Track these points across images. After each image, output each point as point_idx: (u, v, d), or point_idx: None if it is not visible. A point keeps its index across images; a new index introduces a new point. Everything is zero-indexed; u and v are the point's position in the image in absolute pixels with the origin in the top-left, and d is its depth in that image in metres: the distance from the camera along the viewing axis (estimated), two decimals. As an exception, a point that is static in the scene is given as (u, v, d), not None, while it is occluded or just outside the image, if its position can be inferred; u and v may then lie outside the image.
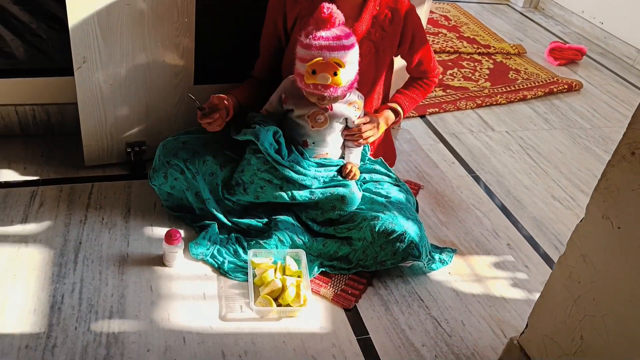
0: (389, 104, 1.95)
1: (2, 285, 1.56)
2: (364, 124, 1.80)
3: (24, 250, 1.67)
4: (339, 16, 1.60)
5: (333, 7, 1.59)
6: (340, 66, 1.58)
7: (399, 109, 1.94)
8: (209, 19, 1.89)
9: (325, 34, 1.59)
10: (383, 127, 1.89)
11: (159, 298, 1.59)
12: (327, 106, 1.73)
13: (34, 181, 1.95)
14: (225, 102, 1.74)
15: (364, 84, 1.85)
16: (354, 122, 1.79)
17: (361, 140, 1.81)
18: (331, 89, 1.61)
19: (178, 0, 1.81)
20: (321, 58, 1.58)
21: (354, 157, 1.85)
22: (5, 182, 1.92)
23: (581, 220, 1.23)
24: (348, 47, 1.61)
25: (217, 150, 1.81)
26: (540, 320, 1.36)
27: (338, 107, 1.75)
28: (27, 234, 1.73)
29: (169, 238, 1.64)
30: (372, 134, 1.83)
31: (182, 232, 1.69)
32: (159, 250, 1.72)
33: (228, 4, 1.88)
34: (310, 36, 1.60)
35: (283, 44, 1.87)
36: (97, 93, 1.87)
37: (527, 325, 1.41)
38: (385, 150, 2.07)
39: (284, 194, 1.74)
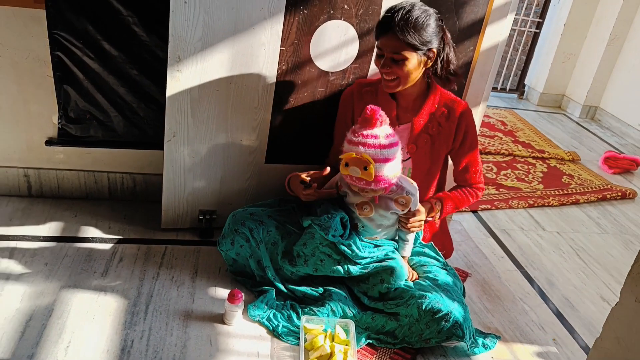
0: (431, 199, 2.05)
1: (82, 326, 1.74)
2: (414, 216, 1.91)
3: (102, 298, 1.87)
4: (382, 117, 1.76)
5: (378, 108, 1.76)
6: (370, 163, 1.72)
7: (437, 207, 2.03)
8: (284, 107, 2.15)
9: (365, 132, 1.75)
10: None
11: (217, 352, 1.72)
12: (373, 197, 1.87)
13: (116, 239, 2.18)
14: (324, 173, 1.93)
15: (419, 174, 2.02)
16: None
17: (411, 228, 1.93)
18: (363, 182, 1.77)
19: (259, 89, 2.08)
20: (354, 153, 1.75)
21: (407, 250, 1.97)
22: (92, 238, 2.17)
23: (616, 304, 1.31)
24: (384, 146, 1.74)
25: (280, 223, 2.00)
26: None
27: (383, 201, 1.88)
28: (106, 284, 1.94)
29: (232, 297, 1.80)
30: (418, 225, 1.93)
31: (242, 294, 1.85)
32: (221, 309, 1.88)
33: (301, 95, 2.14)
34: (352, 133, 1.78)
35: None
36: (181, 164, 2.13)
37: (566, 409, 1.45)
38: (443, 241, 2.19)
39: (340, 268, 1.89)
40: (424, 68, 1.90)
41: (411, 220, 1.90)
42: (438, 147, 2.02)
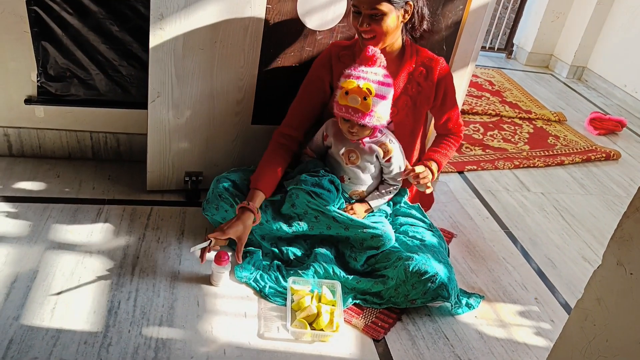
0: (425, 162, 2.05)
1: (68, 288, 1.73)
2: (417, 173, 1.92)
3: (88, 259, 1.86)
4: (381, 58, 1.80)
5: (377, 49, 1.79)
6: (371, 92, 1.75)
7: (435, 166, 2.04)
8: (271, 67, 2.10)
9: (364, 68, 1.79)
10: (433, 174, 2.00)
11: (204, 312, 1.73)
12: (358, 140, 1.88)
13: (101, 200, 2.16)
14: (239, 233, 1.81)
15: (402, 136, 2.01)
16: (391, 167, 1.94)
17: (420, 181, 1.93)
18: (358, 115, 1.78)
19: (245, 48, 2.03)
20: (355, 82, 1.76)
21: (375, 202, 1.99)
22: (77, 199, 2.14)
23: (598, 267, 1.33)
24: (382, 83, 1.79)
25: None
26: (557, 361, 1.45)
27: (368, 144, 1.90)
28: (92, 245, 1.92)
29: (218, 259, 1.80)
30: (427, 175, 1.95)
31: (229, 255, 1.85)
32: (207, 270, 1.88)
33: (288, 54, 2.10)
34: (352, 68, 1.80)
35: (327, 98, 2.04)
36: (165, 125, 2.09)
37: (545, 366, 1.49)
38: (422, 195, 2.20)
39: (335, 223, 1.90)
40: (401, 23, 1.87)
41: (417, 168, 1.92)
42: (419, 106, 2.01)
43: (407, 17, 1.86)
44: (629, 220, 1.24)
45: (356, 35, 1.95)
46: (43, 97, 2.19)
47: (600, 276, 1.32)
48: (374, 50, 1.79)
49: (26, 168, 2.27)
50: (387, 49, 1.91)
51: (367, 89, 1.76)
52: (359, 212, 1.95)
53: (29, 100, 2.20)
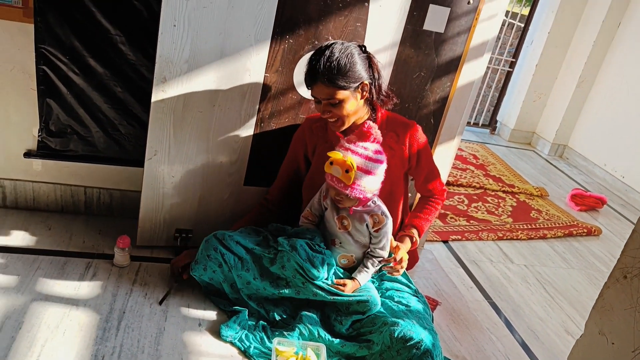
0: (407, 232, 2.13)
1: (52, 340, 1.73)
2: (399, 260, 1.99)
3: (74, 312, 1.86)
4: (377, 136, 1.88)
5: (375, 126, 1.88)
6: (353, 167, 1.81)
7: (416, 233, 2.13)
8: (265, 131, 2.19)
9: (356, 141, 1.86)
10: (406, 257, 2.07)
11: (188, 370, 1.72)
12: (346, 207, 1.94)
13: (90, 254, 2.18)
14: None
15: (381, 198, 2.06)
16: (379, 238, 1.98)
17: (394, 273, 2.02)
18: (341, 185, 1.84)
19: (242, 113, 2.12)
20: (341, 154, 1.83)
21: (362, 277, 2.01)
22: (66, 252, 2.15)
23: (580, 336, 1.37)
24: (370, 158, 1.85)
25: (249, 250, 2.00)
26: None
27: (358, 213, 1.95)
28: (79, 298, 1.93)
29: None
30: (404, 266, 2.02)
31: (215, 314, 1.84)
32: (194, 327, 1.89)
33: (282, 120, 2.19)
34: (346, 140, 1.88)
35: (302, 170, 2.18)
36: (160, 182, 2.14)
37: None
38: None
39: (321, 292, 1.93)
40: (361, 100, 1.96)
41: (396, 266, 1.99)
42: (394, 168, 2.07)
43: (366, 94, 1.95)
44: (610, 290, 1.30)
45: None
46: (42, 151, 2.24)
47: (582, 345, 1.36)
48: (370, 125, 1.87)
49: (18, 219, 2.30)
50: (355, 123, 2.00)
51: (350, 162, 1.81)
52: (348, 289, 1.97)
53: (28, 154, 2.25)
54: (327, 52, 1.86)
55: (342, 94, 1.87)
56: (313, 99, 1.95)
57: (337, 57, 1.84)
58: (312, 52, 1.93)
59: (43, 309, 1.84)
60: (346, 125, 1.96)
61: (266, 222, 2.17)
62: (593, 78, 4.63)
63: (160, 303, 1.96)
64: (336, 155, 1.83)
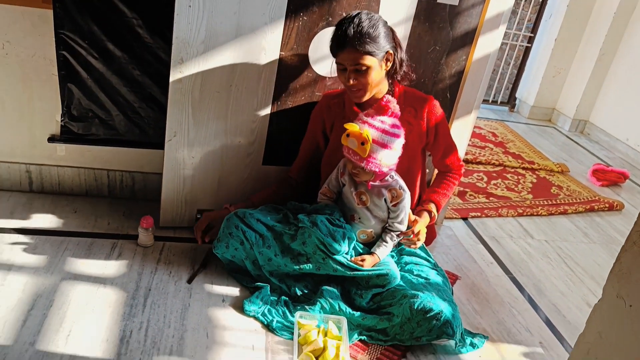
0: (425, 207, 2.14)
1: (82, 316, 1.79)
2: (417, 232, 2.02)
3: (102, 290, 1.91)
4: (395, 109, 1.90)
5: (393, 100, 1.89)
6: (368, 141, 1.83)
7: (434, 207, 2.14)
8: (282, 110, 2.21)
9: (374, 115, 1.89)
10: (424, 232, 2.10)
11: (213, 344, 1.77)
12: (365, 182, 1.96)
13: (115, 235, 2.23)
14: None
15: (400, 175, 2.07)
16: (397, 213, 2.00)
17: (412, 245, 2.04)
18: (357, 157, 1.86)
19: (259, 92, 2.14)
20: (358, 127, 1.85)
21: (381, 252, 2.03)
22: (92, 233, 2.21)
23: (599, 301, 1.38)
24: (386, 132, 1.87)
25: (269, 227, 2.04)
26: (560, 396, 1.47)
27: (376, 188, 1.97)
28: (106, 277, 1.98)
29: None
30: (421, 239, 2.05)
31: (237, 290, 1.88)
32: (218, 303, 1.93)
33: (299, 98, 2.21)
34: (364, 113, 1.90)
35: (322, 147, 2.20)
36: (180, 164, 2.18)
37: (549, 403, 1.51)
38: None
39: (339, 267, 1.95)
40: (384, 71, 1.98)
41: (413, 239, 2.01)
42: (412, 144, 2.08)
43: (389, 64, 1.98)
44: (627, 253, 1.30)
45: None
46: (65, 136, 2.30)
47: (600, 310, 1.37)
48: (388, 99, 1.90)
49: (45, 203, 2.36)
50: (374, 96, 2.02)
51: (366, 135, 1.83)
52: (367, 264, 1.99)
53: (52, 139, 2.30)
54: (356, 20, 1.88)
55: (369, 60, 1.89)
56: (338, 66, 1.95)
57: (366, 24, 1.88)
58: (338, 21, 1.96)
59: (72, 288, 1.90)
60: (367, 96, 1.98)
61: (287, 198, 2.21)
62: (614, 51, 4.54)
63: (189, 282, 2.01)
64: (352, 127, 1.85)
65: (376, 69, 1.92)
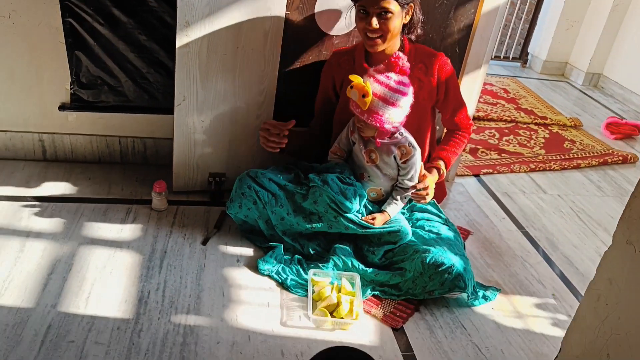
0: (434, 164, 2.14)
1: (101, 279, 1.83)
2: (426, 187, 2.02)
3: (118, 254, 1.95)
4: (403, 65, 1.88)
5: (404, 57, 1.88)
6: (368, 94, 1.83)
7: (443, 165, 2.14)
8: (290, 70, 2.20)
9: (383, 71, 1.88)
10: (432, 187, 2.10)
11: (229, 302, 1.81)
12: (372, 138, 1.96)
13: (129, 200, 2.27)
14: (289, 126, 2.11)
15: (410, 133, 2.07)
16: (407, 169, 2.00)
17: (421, 200, 2.05)
18: (358, 110, 1.87)
19: (266, 53, 2.13)
20: (361, 80, 1.85)
21: (392, 209, 2.04)
22: (107, 199, 2.25)
23: (609, 247, 1.38)
24: (391, 88, 1.86)
25: (281, 186, 2.05)
26: (572, 342, 1.49)
27: (386, 145, 1.97)
28: (122, 240, 2.02)
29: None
30: (430, 194, 2.06)
31: (251, 250, 1.91)
32: (232, 263, 1.97)
33: (306, 58, 2.20)
34: (374, 68, 1.90)
35: (334, 103, 2.19)
36: (190, 128, 2.19)
37: (560, 349, 1.53)
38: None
39: (351, 225, 1.97)
40: (402, 24, 1.97)
41: (422, 193, 2.01)
42: (422, 102, 2.07)
43: (408, 18, 1.97)
44: (637, 200, 1.30)
45: (355, 41, 2.05)
46: (76, 103, 2.31)
47: (610, 256, 1.38)
48: (398, 56, 1.88)
49: (59, 171, 2.40)
50: (386, 50, 2.00)
51: (367, 88, 1.83)
52: (378, 222, 2.00)
53: (62, 107, 2.32)
54: None
55: (394, 5, 1.89)
56: (360, 11, 1.92)
57: None
58: None
59: (90, 252, 1.94)
60: (383, 46, 1.97)
61: (311, 146, 2.24)
62: (628, 1, 4.42)
63: (204, 243, 2.04)
64: (355, 78, 1.85)
65: (398, 17, 1.91)
